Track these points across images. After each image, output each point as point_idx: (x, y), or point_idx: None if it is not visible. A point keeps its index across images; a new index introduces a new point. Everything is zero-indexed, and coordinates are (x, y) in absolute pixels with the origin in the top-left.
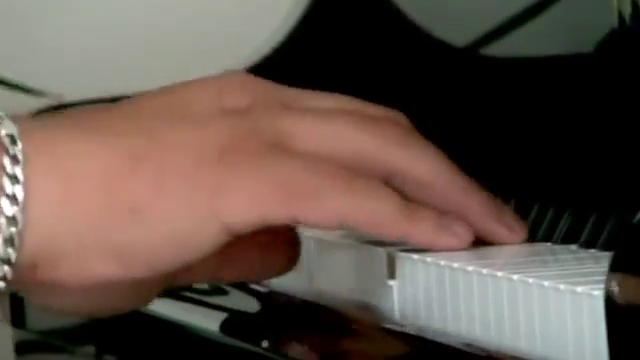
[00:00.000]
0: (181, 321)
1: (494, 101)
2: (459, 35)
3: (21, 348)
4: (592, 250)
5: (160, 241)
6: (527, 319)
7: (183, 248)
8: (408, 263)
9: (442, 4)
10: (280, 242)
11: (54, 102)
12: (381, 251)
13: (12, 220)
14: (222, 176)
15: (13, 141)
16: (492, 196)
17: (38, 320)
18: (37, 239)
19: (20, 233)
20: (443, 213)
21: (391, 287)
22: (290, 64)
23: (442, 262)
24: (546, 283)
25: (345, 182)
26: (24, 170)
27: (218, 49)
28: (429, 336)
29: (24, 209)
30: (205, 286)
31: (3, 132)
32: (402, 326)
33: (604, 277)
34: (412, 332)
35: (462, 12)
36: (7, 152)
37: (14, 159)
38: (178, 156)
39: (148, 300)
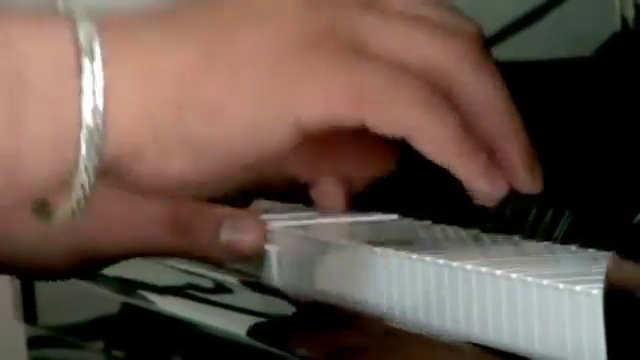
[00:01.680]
0: (187, 318)
1: None
2: None
3: (33, 343)
4: (591, 250)
5: (235, 137)
6: (526, 317)
7: (257, 144)
8: (407, 262)
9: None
10: (378, 145)
11: None
12: (380, 250)
13: (93, 120)
14: (297, 73)
15: (91, 41)
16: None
17: (49, 316)
18: (118, 136)
19: (102, 129)
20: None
21: (390, 286)
22: None
23: (441, 261)
24: (545, 282)
25: (417, 95)
26: (103, 69)
27: None
28: (427, 334)
29: (104, 106)
30: (211, 284)
31: (81, 33)
32: (401, 324)
33: (603, 277)
34: (411, 330)
35: (466, 14)
36: (85, 52)
37: (92, 58)
38: (254, 52)
39: (239, 187)
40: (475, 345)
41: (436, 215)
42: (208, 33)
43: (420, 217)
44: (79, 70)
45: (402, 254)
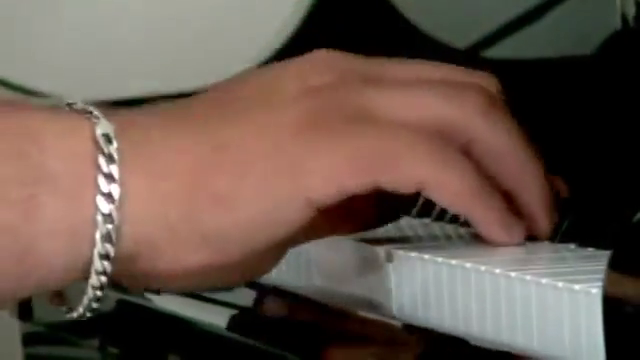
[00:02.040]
0: (183, 315)
1: None
2: (461, 37)
3: (28, 340)
4: (591, 249)
5: (245, 224)
6: (525, 316)
7: (271, 228)
8: (406, 260)
9: (444, 6)
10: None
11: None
12: (379, 248)
13: (108, 217)
14: (300, 154)
15: (109, 140)
16: (551, 189)
17: (44, 313)
18: (133, 235)
19: (117, 229)
20: (510, 209)
21: (389, 284)
22: None
23: (440, 259)
24: (544, 280)
25: (426, 149)
26: (119, 169)
27: (220, 50)
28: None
29: (120, 207)
30: None
31: (99, 131)
32: (400, 322)
33: (602, 275)
34: (409, 328)
35: (464, 14)
36: (102, 152)
37: (110, 158)
38: (258, 140)
39: (262, 271)
40: (473, 344)
41: (435, 213)
42: (216, 127)
43: (419, 215)
44: (97, 168)
45: (400, 252)
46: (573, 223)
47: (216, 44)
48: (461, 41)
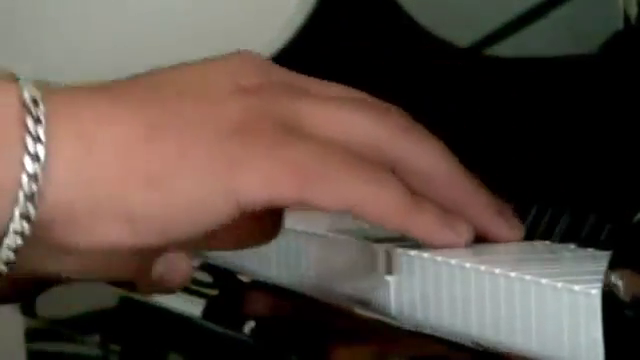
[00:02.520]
0: (184, 312)
1: (498, 101)
2: (463, 35)
3: (31, 336)
4: (591, 249)
5: (173, 210)
6: (524, 316)
7: (196, 219)
8: (405, 260)
9: (447, 4)
10: (266, 211)
11: None
12: (378, 247)
13: (33, 177)
14: (238, 153)
15: (36, 103)
16: (492, 194)
17: (47, 309)
18: (55, 199)
19: (40, 191)
20: (446, 210)
21: (388, 283)
22: (295, 64)
23: (439, 258)
24: (543, 281)
25: (356, 169)
26: (46, 131)
27: (224, 49)
28: (426, 332)
29: (45, 168)
30: (209, 279)
31: (27, 95)
32: (399, 321)
33: (602, 276)
34: (409, 327)
35: (467, 12)
36: (30, 113)
37: (37, 120)
38: (198, 128)
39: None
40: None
41: None
42: (154, 107)
43: None
44: (24, 129)
45: (400, 251)
46: (573, 223)
47: (220, 43)
48: (464, 39)
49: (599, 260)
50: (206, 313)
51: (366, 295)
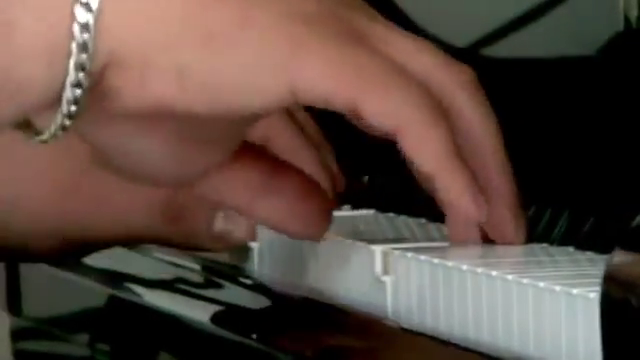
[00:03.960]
0: (174, 312)
1: (496, 102)
2: (461, 34)
3: (17, 335)
4: (589, 252)
5: (228, 74)
6: (521, 320)
7: (247, 90)
8: (401, 261)
9: (444, 4)
10: (316, 204)
11: None
12: (376, 248)
13: (85, 27)
14: (307, 38)
15: None
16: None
17: (34, 308)
18: (108, 47)
19: (93, 40)
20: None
21: (384, 284)
22: None
23: (436, 260)
24: (541, 284)
25: (417, 95)
26: None
27: None
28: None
29: (97, 17)
30: (200, 279)
31: None
32: (395, 323)
33: (600, 280)
34: (405, 328)
35: (465, 11)
36: None
37: None
38: (269, 6)
39: (194, 170)
40: (469, 348)
41: (432, 213)
42: None
43: (415, 215)
44: None
45: (397, 252)
46: (571, 225)
47: None
48: (461, 39)
49: (597, 264)
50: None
51: (362, 297)
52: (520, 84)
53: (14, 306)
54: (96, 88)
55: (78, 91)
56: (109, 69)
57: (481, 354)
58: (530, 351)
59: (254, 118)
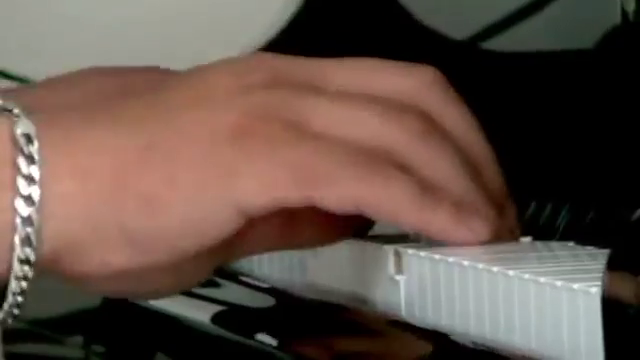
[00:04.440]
0: (170, 312)
1: (494, 96)
2: (460, 29)
3: (10, 337)
4: (590, 247)
5: (173, 228)
6: (522, 315)
7: (199, 233)
8: (403, 258)
9: None
10: (339, 229)
11: None
12: (388, 248)
13: (28, 220)
14: (235, 160)
15: (29, 140)
16: (503, 190)
17: (26, 309)
18: (54, 237)
19: (37, 232)
20: (461, 205)
21: (398, 283)
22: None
23: (437, 257)
24: (542, 279)
25: (362, 167)
26: (40, 170)
27: (214, 40)
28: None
29: (40, 209)
30: None
31: (19, 131)
32: (409, 322)
33: (601, 274)
34: (419, 327)
35: (463, 6)
36: (22, 152)
37: (30, 159)
38: (190, 142)
39: (197, 279)
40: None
41: None
42: (145, 126)
43: None
44: (16, 170)
45: (410, 251)
46: (571, 221)
47: (209, 34)
48: (460, 33)
49: (598, 258)
50: (214, 318)
51: (375, 296)
52: (518, 78)
53: None
54: (55, 271)
55: (24, 283)
56: (63, 256)
57: (483, 349)
58: (532, 346)
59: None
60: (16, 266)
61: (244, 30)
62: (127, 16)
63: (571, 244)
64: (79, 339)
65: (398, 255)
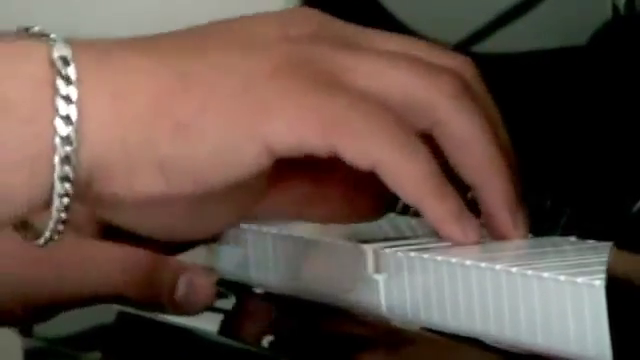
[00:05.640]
0: (187, 326)
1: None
2: (450, 32)
3: (31, 356)
4: (591, 241)
5: (203, 157)
6: (528, 311)
7: (225, 165)
8: (405, 260)
9: (430, 2)
10: (365, 189)
11: None
12: (367, 247)
13: (67, 140)
14: (268, 97)
15: (66, 62)
16: (518, 188)
17: (44, 328)
18: (91, 156)
19: (75, 151)
20: (465, 207)
21: (377, 282)
22: None
23: (439, 258)
24: (546, 274)
25: (388, 130)
26: (77, 90)
27: None
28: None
29: (78, 128)
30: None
31: (56, 54)
32: (401, 322)
33: (604, 267)
34: (412, 328)
35: (451, 9)
36: (60, 74)
37: (67, 80)
38: (227, 76)
39: (218, 224)
40: (476, 343)
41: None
42: (183, 56)
43: (417, 213)
44: (54, 90)
45: (400, 251)
46: (573, 215)
47: None
48: (449, 36)
49: (601, 251)
50: (222, 328)
51: (356, 296)
52: (511, 78)
53: (24, 327)
54: (87, 194)
55: (66, 200)
56: (95, 177)
57: (490, 346)
58: (538, 341)
59: (255, 174)
60: (57, 184)
61: None
62: (127, 16)
63: (573, 238)
64: (97, 355)
65: (377, 254)
